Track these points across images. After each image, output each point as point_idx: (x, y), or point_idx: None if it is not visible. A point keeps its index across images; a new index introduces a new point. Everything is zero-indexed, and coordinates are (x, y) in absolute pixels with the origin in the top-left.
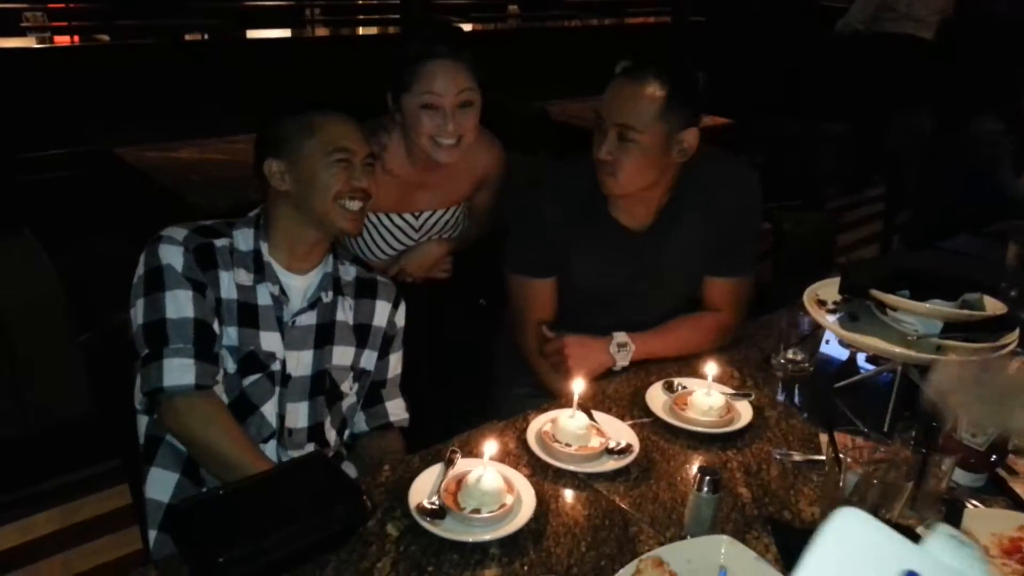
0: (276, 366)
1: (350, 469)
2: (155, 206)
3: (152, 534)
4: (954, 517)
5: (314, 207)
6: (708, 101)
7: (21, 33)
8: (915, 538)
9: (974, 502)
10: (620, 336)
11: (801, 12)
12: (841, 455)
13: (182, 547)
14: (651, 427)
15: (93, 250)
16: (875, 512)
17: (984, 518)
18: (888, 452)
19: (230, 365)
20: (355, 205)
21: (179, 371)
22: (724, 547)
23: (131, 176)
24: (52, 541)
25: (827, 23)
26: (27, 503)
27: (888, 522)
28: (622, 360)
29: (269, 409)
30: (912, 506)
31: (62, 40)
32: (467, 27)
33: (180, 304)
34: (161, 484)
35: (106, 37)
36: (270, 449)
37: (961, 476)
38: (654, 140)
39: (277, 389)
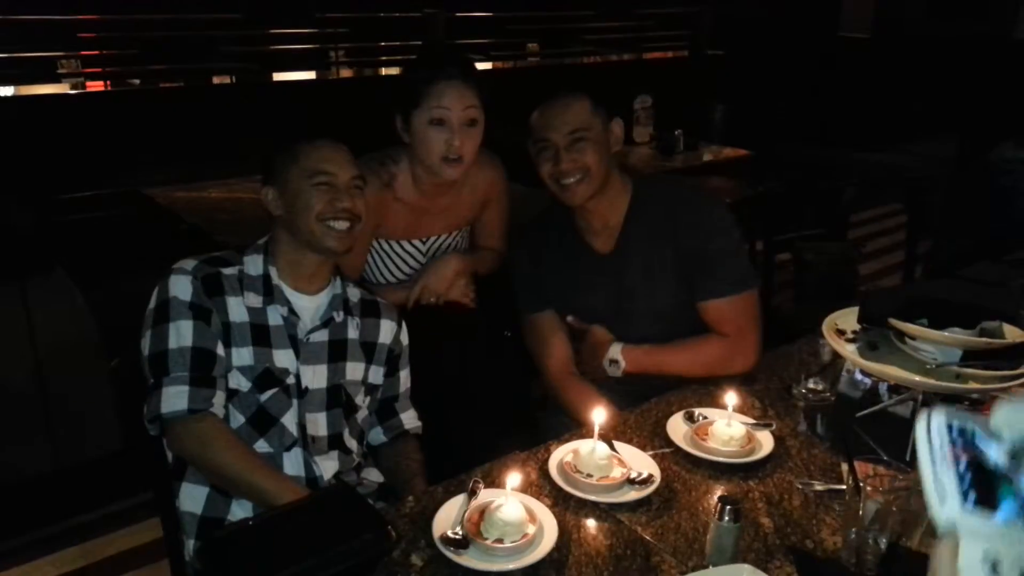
0: (291, 380)
1: (374, 475)
2: (185, 245)
3: (189, 543)
4: None
5: (301, 228)
6: (725, 133)
7: (57, 79)
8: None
9: None
10: (614, 351)
11: (821, 43)
12: (861, 483)
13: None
14: (672, 457)
15: (125, 288)
16: (896, 540)
17: None
18: (908, 480)
19: (244, 383)
20: (341, 225)
21: (175, 398)
22: None
23: (162, 216)
24: (83, 574)
25: (847, 53)
26: (59, 538)
27: (909, 550)
28: (613, 372)
29: (289, 419)
30: (934, 534)
31: (95, 85)
32: (487, 65)
33: (181, 334)
34: (193, 497)
35: (137, 81)
36: (295, 456)
37: None
38: (598, 133)
39: (295, 401)
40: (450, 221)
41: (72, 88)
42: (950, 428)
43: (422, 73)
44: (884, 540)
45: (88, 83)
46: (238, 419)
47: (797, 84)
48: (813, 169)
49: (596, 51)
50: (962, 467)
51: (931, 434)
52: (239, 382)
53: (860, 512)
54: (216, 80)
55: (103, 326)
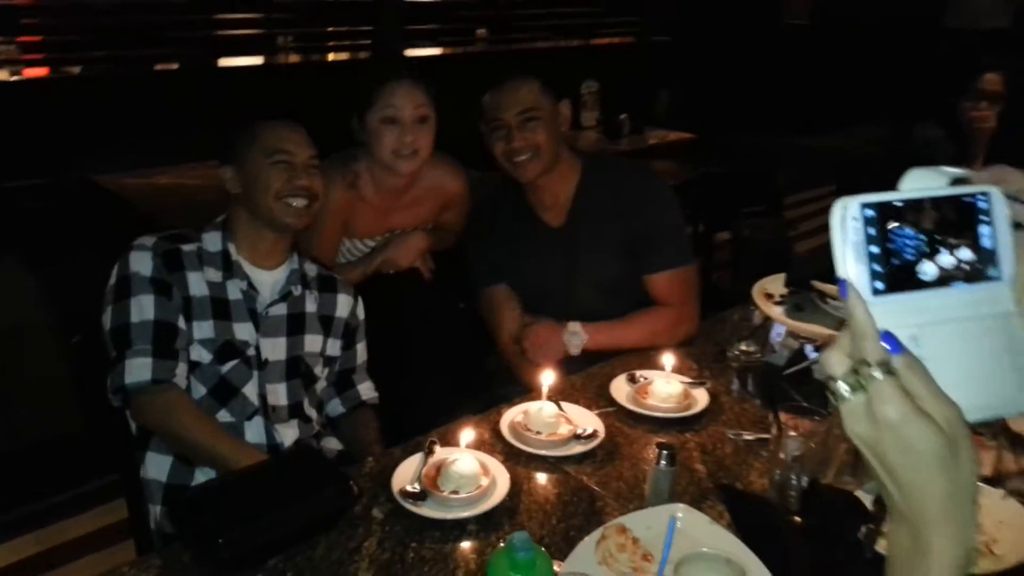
0: (251, 351)
1: (333, 443)
2: (135, 231)
3: (155, 509)
4: None
5: (260, 206)
6: (670, 118)
7: None
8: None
9: None
10: (574, 325)
11: (765, 30)
12: (783, 426)
13: (184, 532)
14: (616, 415)
15: (77, 272)
16: (814, 477)
17: None
18: (826, 423)
19: (205, 356)
20: (300, 202)
21: (138, 369)
22: (681, 513)
23: (111, 203)
24: (40, 560)
25: (791, 40)
26: (17, 524)
27: (826, 486)
28: (574, 348)
29: (250, 389)
30: (852, 473)
31: (34, 72)
32: (437, 51)
33: (143, 308)
34: (157, 466)
35: (76, 69)
36: (256, 425)
37: None
38: (548, 113)
39: (255, 372)
40: (412, 220)
41: (11, 75)
42: (865, 208)
43: (374, 76)
44: (804, 478)
45: (27, 70)
46: (200, 390)
47: (741, 70)
48: (754, 153)
49: (544, 36)
50: (876, 250)
51: (845, 222)
52: (200, 354)
53: (782, 454)
54: (160, 67)
55: (55, 311)
